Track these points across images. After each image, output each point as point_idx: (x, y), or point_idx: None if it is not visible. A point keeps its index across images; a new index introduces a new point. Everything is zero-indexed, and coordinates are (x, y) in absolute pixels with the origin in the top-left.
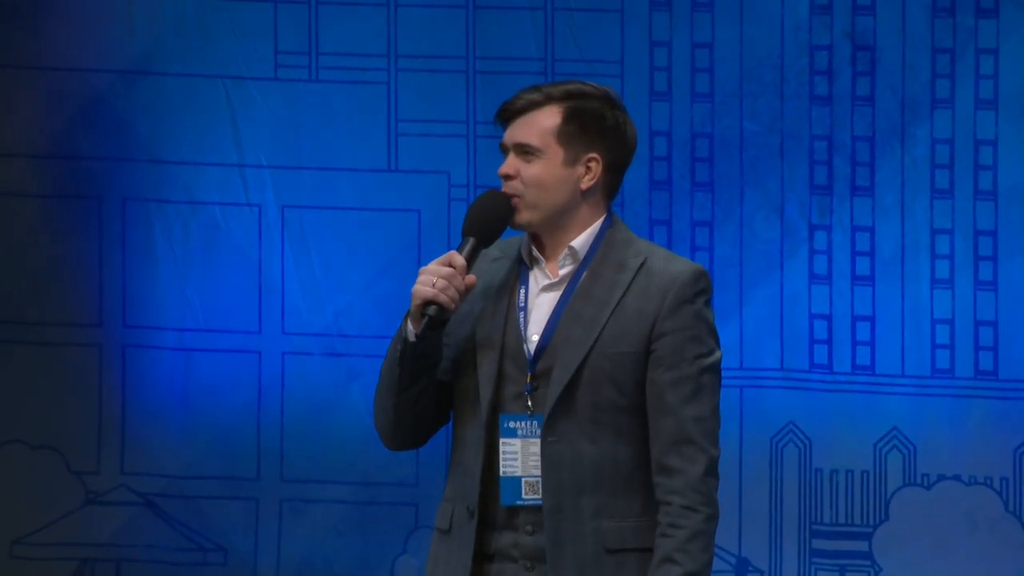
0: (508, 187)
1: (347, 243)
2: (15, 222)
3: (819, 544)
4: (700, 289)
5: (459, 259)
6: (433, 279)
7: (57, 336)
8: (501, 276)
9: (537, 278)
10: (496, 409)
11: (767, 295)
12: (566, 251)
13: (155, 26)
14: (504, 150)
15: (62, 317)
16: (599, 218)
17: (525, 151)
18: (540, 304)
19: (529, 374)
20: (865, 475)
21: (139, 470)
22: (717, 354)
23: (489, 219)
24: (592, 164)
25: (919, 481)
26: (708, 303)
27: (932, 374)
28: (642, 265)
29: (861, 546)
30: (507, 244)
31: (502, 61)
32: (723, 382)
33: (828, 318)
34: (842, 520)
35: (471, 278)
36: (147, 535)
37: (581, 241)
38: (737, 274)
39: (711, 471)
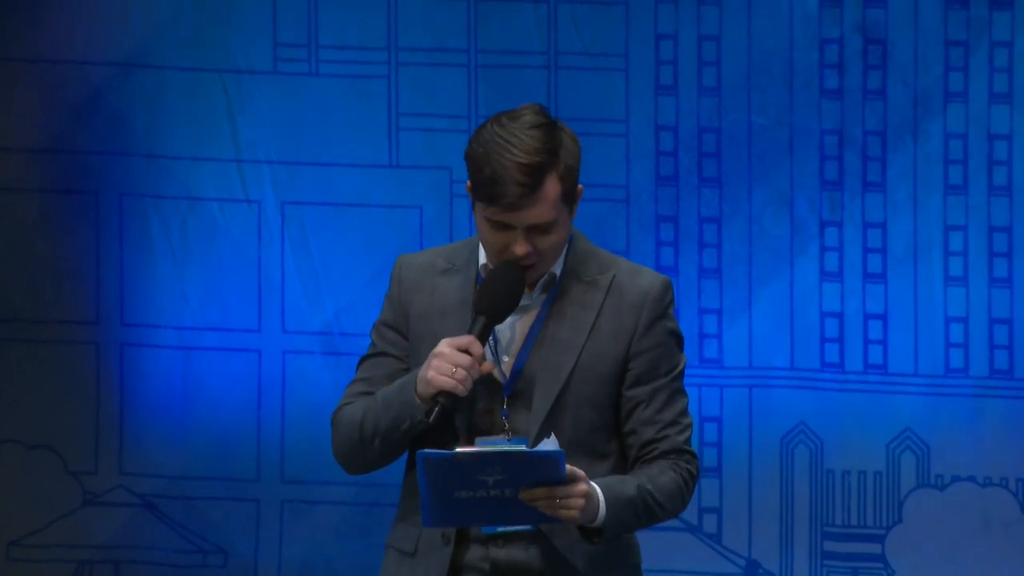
0: (526, 261)
1: (348, 240)
2: (10, 218)
3: (831, 546)
4: (668, 301)
5: (478, 347)
6: (452, 368)
7: (53, 334)
8: (459, 294)
9: None
10: (472, 433)
11: (777, 293)
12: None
13: (152, 18)
14: (505, 228)
15: (58, 315)
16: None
17: (542, 229)
18: (509, 325)
19: (506, 398)
20: (878, 476)
21: (137, 470)
22: (684, 361)
23: (504, 296)
24: (580, 193)
25: (933, 482)
26: (673, 310)
27: (946, 373)
28: (611, 282)
29: (874, 548)
30: (452, 252)
31: (504, 55)
32: (732, 381)
33: (839, 316)
34: (854, 522)
35: (488, 365)
36: (146, 536)
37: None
38: (746, 271)
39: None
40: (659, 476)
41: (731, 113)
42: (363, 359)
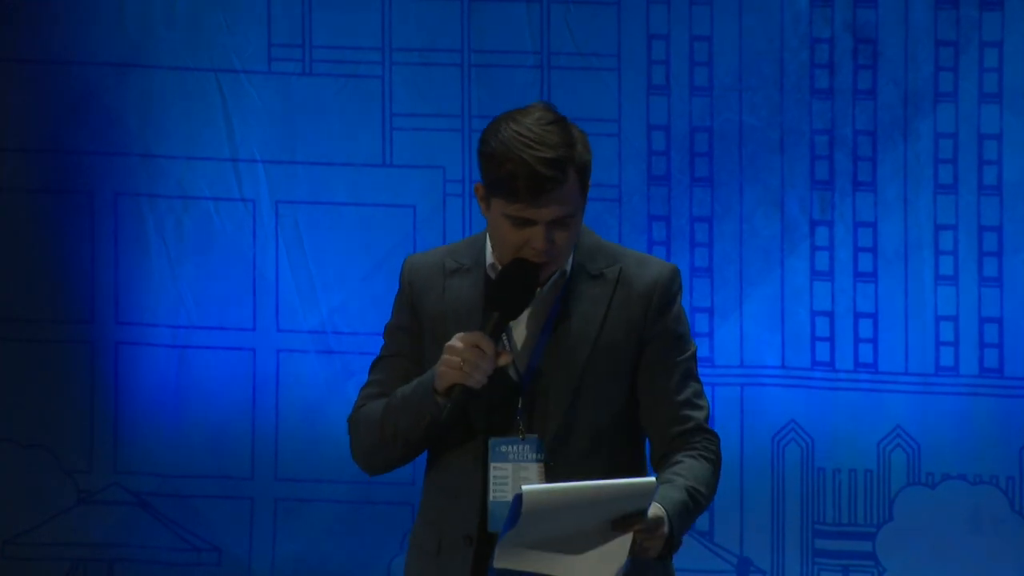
0: (543, 257)
1: (342, 239)
2: (5, 217)
3: (822, 544)
4: (676, 289)
5: (488, 344)
6: (459, 361)
7: (48, 333)
8: (470, 294)
9: None
10: (489, 432)
11: (768, 292)
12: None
13: (146, 18)
14: (526, 224)
15: (53, 314)
16: None
17: (561, 223)
18: (522, 322)
19: (520, 397)
20: (868, 474)
21: (132, 469)
22: (694, 346)
23: (518, 292)
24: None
25: (923, 480)
26: (682, 297)
27: (936, 372)
28: (619, 274)
29: (864, 546)
30: (459, 251)
31: (498, 55)
32: (723, 380)
33: (830, 315)
34: (845, 520)
35: (505, 355)
36: (140, 535)
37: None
38: (737, 271)
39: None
40: (695, 467)
41: (722, 113)
42: (376, 361)
